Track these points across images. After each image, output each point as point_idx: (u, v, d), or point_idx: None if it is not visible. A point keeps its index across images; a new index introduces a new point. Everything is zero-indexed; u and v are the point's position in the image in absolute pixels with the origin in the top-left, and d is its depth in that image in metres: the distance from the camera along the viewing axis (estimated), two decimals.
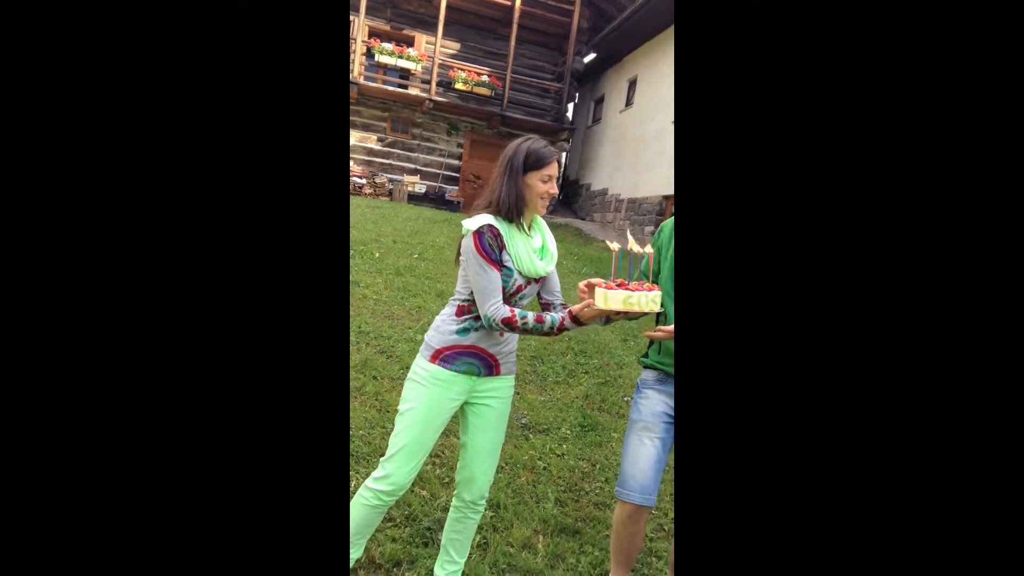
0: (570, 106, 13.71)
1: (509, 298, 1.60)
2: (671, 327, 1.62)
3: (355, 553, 1.71)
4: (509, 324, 1.53)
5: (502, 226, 1.58)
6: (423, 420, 1.62)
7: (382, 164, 12.28)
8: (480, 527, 2.18)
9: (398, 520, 2.16)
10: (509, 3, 11.73)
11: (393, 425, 1.67)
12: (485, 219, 1.57)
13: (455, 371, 1.62)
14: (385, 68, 11.82)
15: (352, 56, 10.84)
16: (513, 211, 1.59)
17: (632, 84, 12.00)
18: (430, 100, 11.69)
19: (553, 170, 1.61)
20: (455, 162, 12.80)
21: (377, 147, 12.25)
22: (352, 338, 3.70)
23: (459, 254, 1.64)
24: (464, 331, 1.63)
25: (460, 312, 1.64)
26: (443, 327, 1.65)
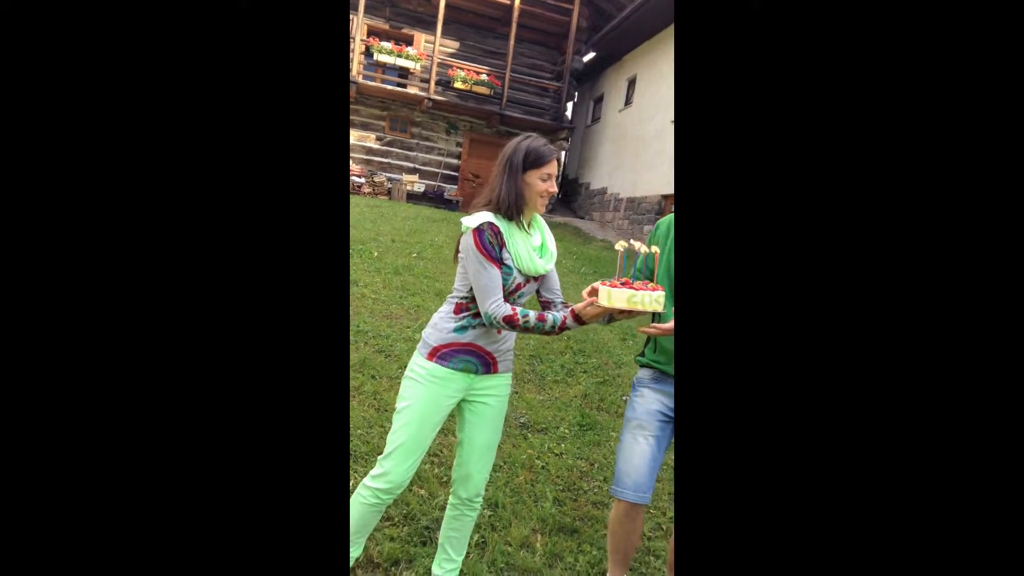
0: (569, 105, 13.71)
1: (508, 296, 1.60)
2: (666, 324, 1.62)
3: (354, 552, 1.71)
4: (510, 322, 1.52)
5: (502, 224, 1.57)
6: (420, 418, 1.61)
7: (381, 163, 12.27)
8: (478, 526, 2.18)
9: (396, 519, 2.16)
10: (508, 2, 11.72)
11: (391, 424, 1.67)
12: (485, 216, 1.57)
13: (452, 369, 1.62)
14: (384, 67, 11.81)
15: (351, 55, 10.82)
16: (512, 209, 1.58)
17: (631, 83, 12.00)
18: (429, 99, 11.69)
19: (552, 168, 1.60)
20: (454, 161, 12.80)
21: (376, 146, 12.24)
22: (350, 337, 3.70)
23: (458, 251, 1.64)
24: (462, 329, 1.62)
25: (458, 310, 1.63)
26: (441, 325, 1.64)
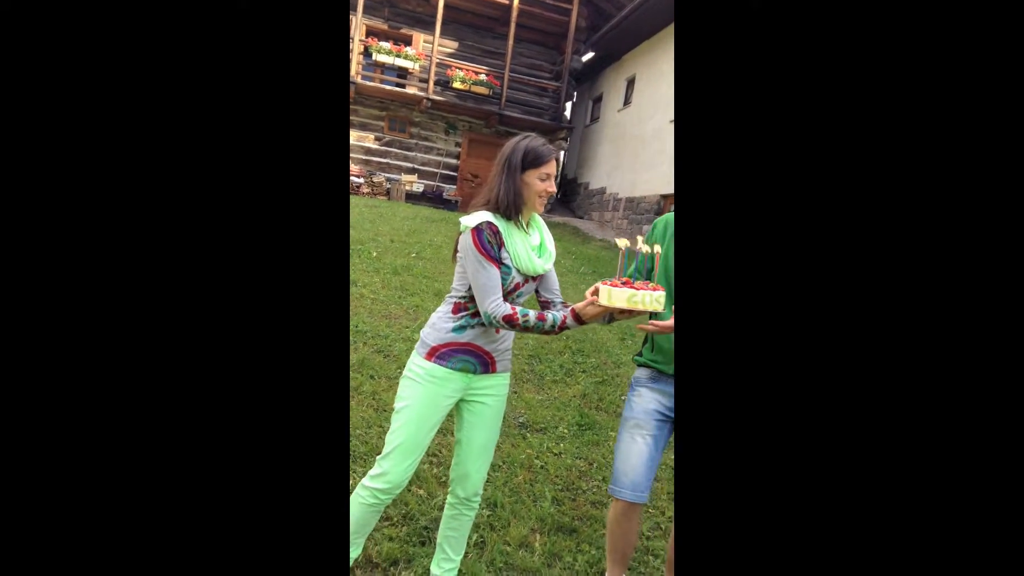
0: (568, 105, 13.70)
1: (506, 296, 1.60)
2: (665, 322, 1.62)
3: (353, 552, 1.71)
4: (510, 321, 1.52)
5: (500, 224, 1.57)
6: (419, 418, 1.61)
7: (380, 163, 12.27)
8: (477, 526, 2.18)
9: (395, 519, 2.16)
10: (507, 2, 11.73)
11: (390, 424, 1.67)
12: (484, 216, 1.56)
13: (451, 368, 1.62)
14: (383, 67, 11.81)
15: (350, 55, 10.82)
16: (511, 209, 1.58)
17: (630, 83, 12.01)
18: (428, 99, 11.69)
19: (551, 168, 1.60)
20: (453, 161, 12.80)
21: (374, 146, 12.24)
22: (349, 337, 3.70)
23: (456, 251, 1.64)
24: (460, 328, 1.62)
25: (456, 309, 1.63)
26: (439, 324, 1.64)
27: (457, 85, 11.84)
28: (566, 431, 3.16)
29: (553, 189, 1.62)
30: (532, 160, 1.58)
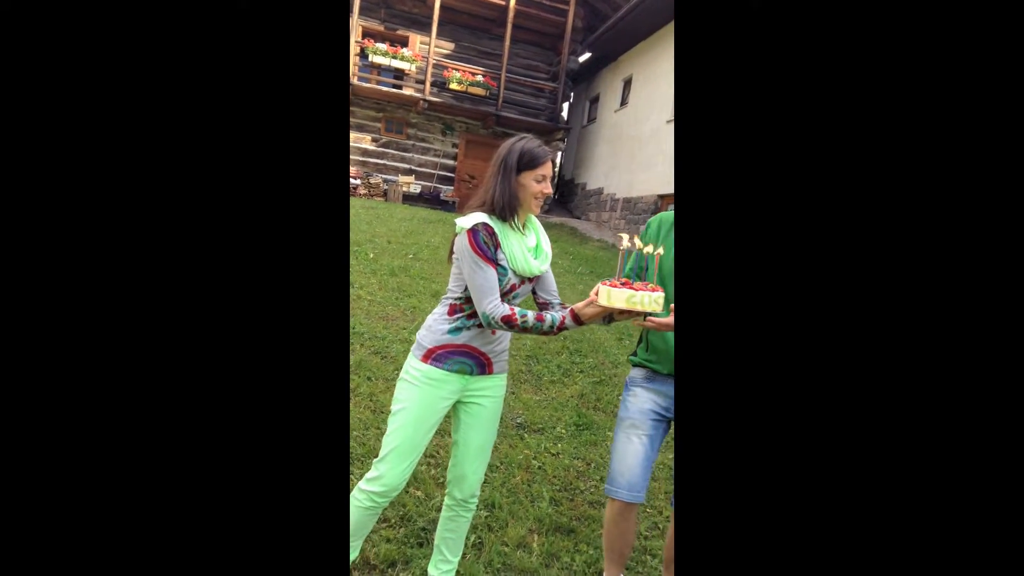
0: (565, 106, 13.71)
1: (503, 297, 1.60)
2: (662, 319, 1.62)
3: (350, 555, 1.71)
4: (509, 322, 1.52)
5: (496, 225, 1.57)
6: (415, 420, 1.61)
7: (376, 164, 12.26)
8: (475, 526, 2.18)
9: (393, 521, 2.16)
10: (504, 3, 11.72)
11: (387, 426, 1.67)
12: (479, 217, 1.56)
13: (447, 370, 1.62)
14: (379, 68, 11.80)
15: None
16: (507, 210, 1.58)
17: (627, 83, 12.01)
18: (424, 100, 11.68)
19: (547, 170, 1.61)
20: (450, 162, 12.79)
21: (371, 147, 12.23)
22: None
23: (452, 252, 1.64)
24: (456, 330, 1.62)
25: (452, 311, 1.63)
26: (435, 326, 1.64)
27: (454, 86, 11.83)
28: (564, 431, 3.17)
29: (549, 191, 1.63)
30: (528, 162, 1.58)
